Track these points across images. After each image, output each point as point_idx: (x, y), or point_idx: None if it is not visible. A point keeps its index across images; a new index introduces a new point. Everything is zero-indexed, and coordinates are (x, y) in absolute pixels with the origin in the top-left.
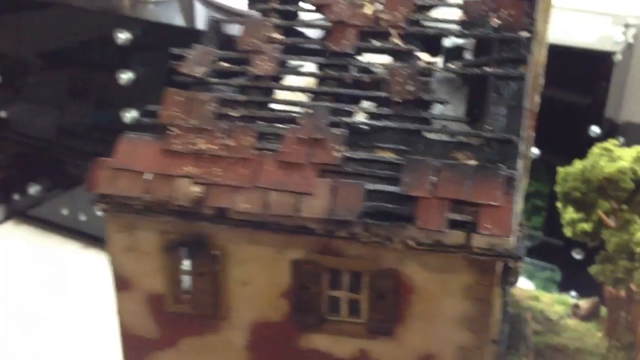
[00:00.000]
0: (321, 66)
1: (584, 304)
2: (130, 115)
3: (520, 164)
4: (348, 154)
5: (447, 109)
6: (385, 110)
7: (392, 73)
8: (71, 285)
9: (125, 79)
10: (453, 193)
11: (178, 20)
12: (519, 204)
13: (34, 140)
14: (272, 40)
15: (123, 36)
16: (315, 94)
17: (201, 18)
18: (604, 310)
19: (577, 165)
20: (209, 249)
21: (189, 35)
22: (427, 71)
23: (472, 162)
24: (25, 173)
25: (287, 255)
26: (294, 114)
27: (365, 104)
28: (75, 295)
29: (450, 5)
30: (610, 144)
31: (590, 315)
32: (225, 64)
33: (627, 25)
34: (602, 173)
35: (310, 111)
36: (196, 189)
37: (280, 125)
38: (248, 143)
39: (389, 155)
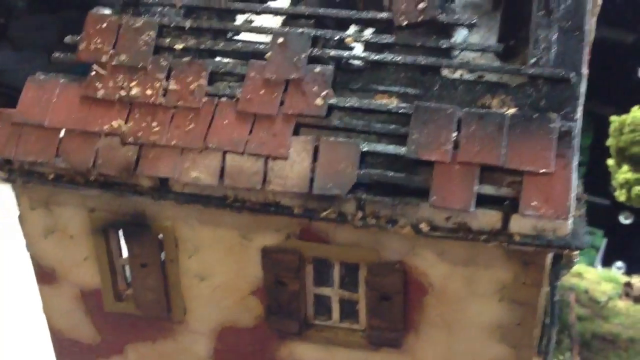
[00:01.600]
0: None
1: (638, 281)
2: None
3: (580, 112)
4: (335, 101)
5: (474, 37)
6: (387, 38)
7: None
8: None
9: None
10: (484, 156)
11: None
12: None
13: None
14: None
15: None
16: (290, 17)
17: None
18: None
19: (637, 113)
20: (151, 232)
21: None
22: None
23: (511, 111)
24: None
25: (256, 242)
26: (261, 46)
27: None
28: None
29: None
30: None
31: None
32: None
33: None
34: None
35: (282, 40)
36: (127, 152)
37: (242, 62)
38: (197, 87)
39: (391, 102)
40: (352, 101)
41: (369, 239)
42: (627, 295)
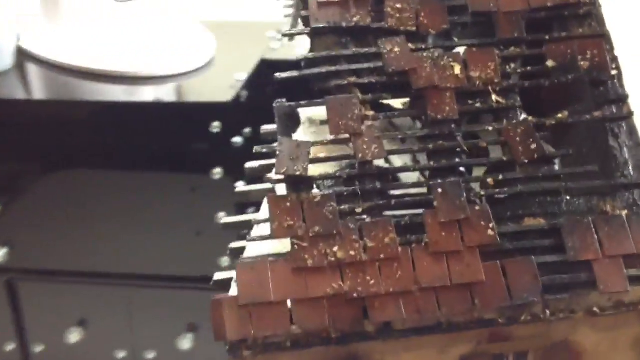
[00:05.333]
0: (424, 138)
1: None
2: None
3: None
4: (500, 230)
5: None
6: (513, 175)
7: (508, 133)
8: None
9: None
10: (622, 248)
11: (20, 93)
12: None
13: None
14: (366, 119)
15: None
16: (434, 171)
17: (37, 86)
18: None
19: None
20: None
21: (29, 108)
22: (540, 124)
23: (625, 212)
24: None
25: (452, 354)
26: (419, 197)
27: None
28: None
29: (533, 53)
30: None
31: None
32: (323, 155)
33: None
34: None
35: (442, 190)
36: (353, 307)
37: (412, 212)
38: (389, 240)
39: (539, 223)
40: (512, 228)
41: (542, 329)
42: None
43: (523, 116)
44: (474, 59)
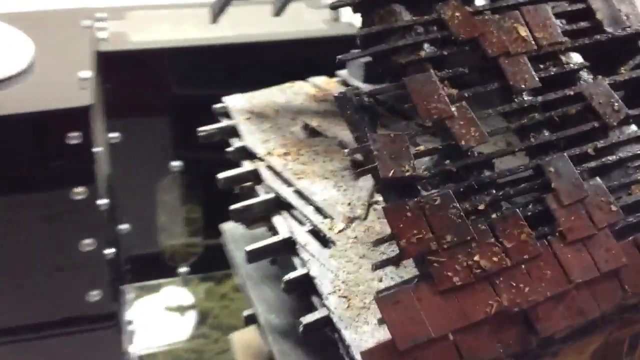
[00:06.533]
0: (510, 113)
1: None
2: None
3: None
4: (623, 204)
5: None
6: (607, 142)
7: (590, 96)
8: None
9: None
10: None
11: None
12: None
13: None
14: (453, 99)
15: None
16: (532, 150)
17: None
18: None
19: None
20: None
21: None
22: (614, 84)
23: None
24: None
25: (587, 352)
26: (525, 182)
27: None
28: None
29: (579, 8)
30: None
31: None
32: (422, 147)
33: None
34: None
35: (553, 170)
36: (517, 323)
37: (529, 197)
38: (526, 236)
39: None
40: (630, 199)
41: None
42: None
43: (590, 76)
44: (533, 19)
